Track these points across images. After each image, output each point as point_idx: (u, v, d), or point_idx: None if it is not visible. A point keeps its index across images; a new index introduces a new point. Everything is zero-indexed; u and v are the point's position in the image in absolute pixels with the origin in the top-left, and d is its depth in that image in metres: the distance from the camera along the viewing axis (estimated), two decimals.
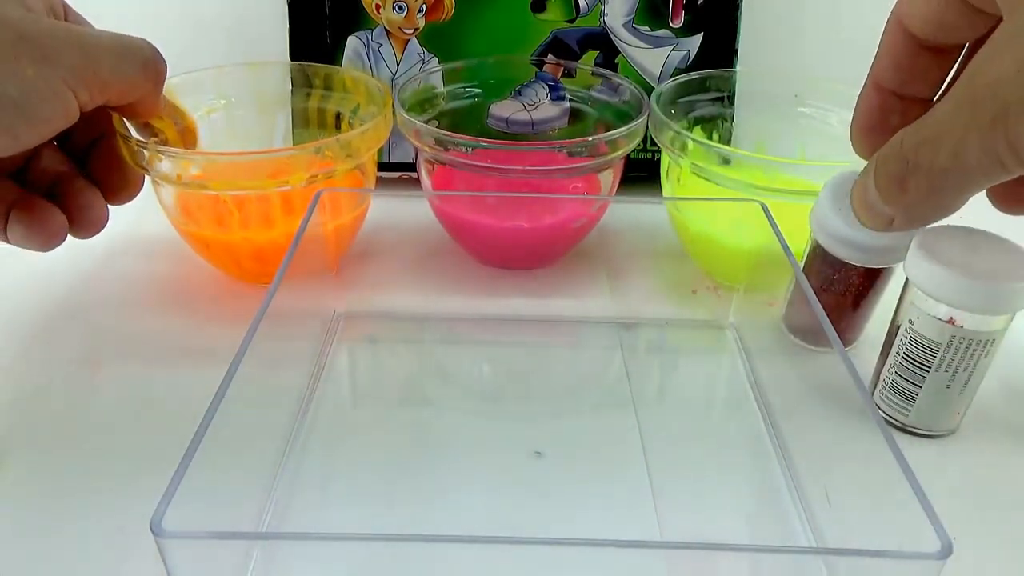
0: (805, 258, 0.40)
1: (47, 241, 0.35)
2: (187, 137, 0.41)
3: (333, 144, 0.40)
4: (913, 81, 0.30)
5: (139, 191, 0.39)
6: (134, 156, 0.38)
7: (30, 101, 0.30)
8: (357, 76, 0.48)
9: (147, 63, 0.34)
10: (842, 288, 0.40)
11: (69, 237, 0.36)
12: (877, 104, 0.31)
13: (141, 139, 0.38)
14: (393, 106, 0.45)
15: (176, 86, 0.44)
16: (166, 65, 0.35)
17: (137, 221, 0.48)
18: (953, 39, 0.29)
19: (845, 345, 0.42)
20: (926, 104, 0.31)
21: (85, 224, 0.36)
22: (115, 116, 0.38)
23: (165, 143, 0.40)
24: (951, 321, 0.34)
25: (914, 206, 0.26)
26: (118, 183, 0.38)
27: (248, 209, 0.42)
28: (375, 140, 0.43)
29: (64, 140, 0.38)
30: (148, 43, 0.35)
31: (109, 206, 0.38)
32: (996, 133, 0.23)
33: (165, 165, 0.38)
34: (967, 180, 0.24)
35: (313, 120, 0.50)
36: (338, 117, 0.49)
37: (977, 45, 0.29)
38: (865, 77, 0.32)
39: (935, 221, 0.28)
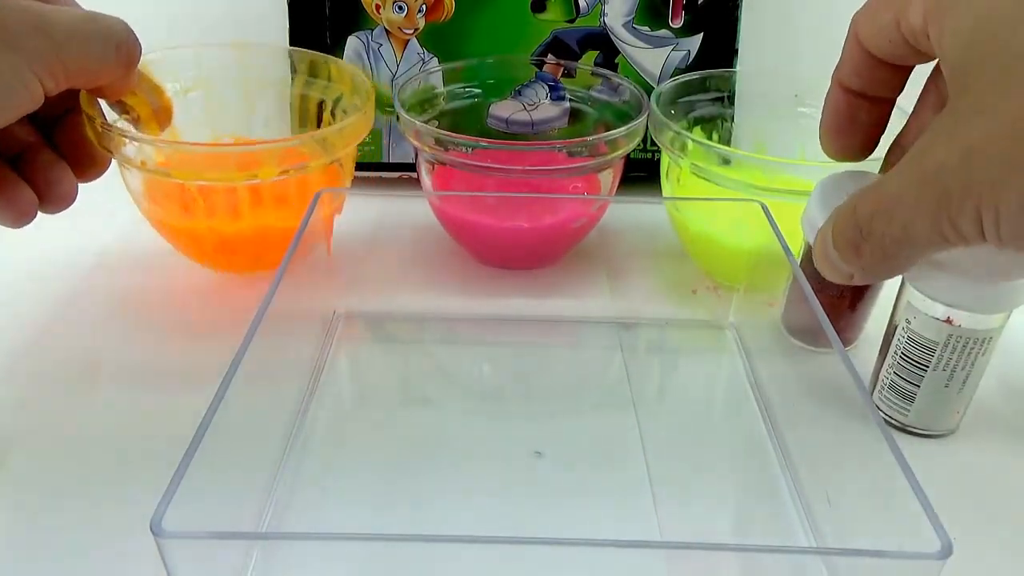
0: (799, 261, 0.40)
1: (18, 219, 0.34)
2: (161, 116, 0.40)
3: (308, 140, 0.39)
4: (874, 86, 0.31)
5: (106, 169, 0.38)
6: (99, 138, 0.37)
7: None
8: (343, 66, 0.47)
9: (119, 47, 0.33)
10: (837, 290, 0.40)
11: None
12: (844, 103, 0.32)
13: (106, 121, 0.37)
14: (393, 105, 0.45)
15: (153, 62, 0.42)
16: (139, 46, 0.34)
17: (135, 223, 0.48)
18: (906, 63, 0.30)
19: (844, 345, 0.42)
20: (889, 104, 0.32)
21: (53, 199, 0.35)
22: (83, 94, 0.37)
23: (137, 121, 0.39)
24: (948, 320, 0.34)
25: (869, 268, 0.28)
26: (85, 160, 0.37)
27: (214, 199, 0.41)
28: (353, 137, 0.42)
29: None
30: (120, 23, 0.33)
31: (79, 183, 0.37)
32: (941, 215, 0.25)
33: (129, 150, 0.37)
34: (916, 249, 0.26)
35: (295, 107, 0.49)
36: (320, 106, 0.48)
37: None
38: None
39: (892, 278, 0.30)
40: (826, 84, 0.33)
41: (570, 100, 0.52)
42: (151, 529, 0.24)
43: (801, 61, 0.57)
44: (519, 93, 0.53)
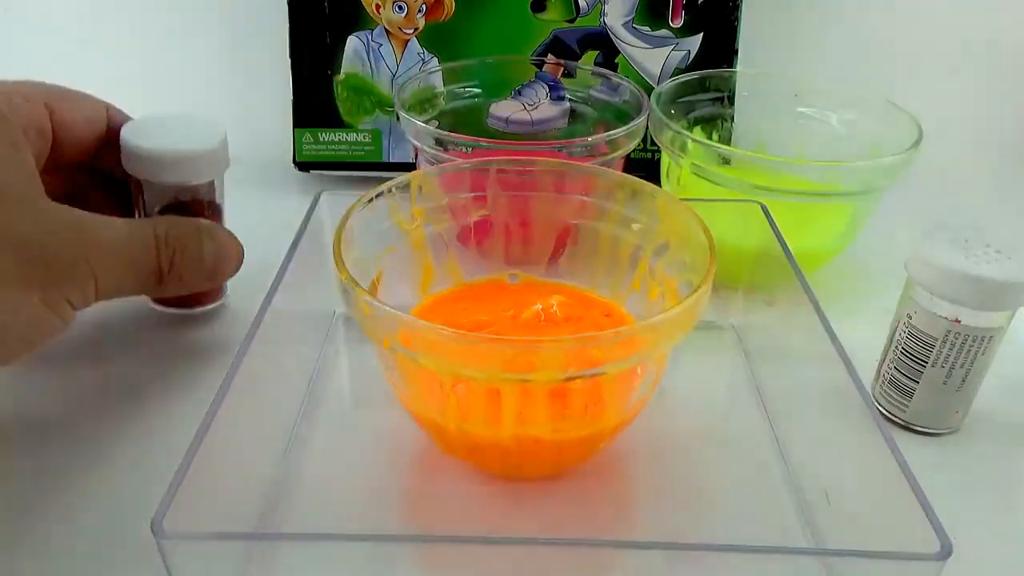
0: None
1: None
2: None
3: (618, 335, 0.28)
4: None
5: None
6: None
7: (30, 328, 0.29)
8: (673, 203, 0.34)
9: (151, 275, 0.33)
10: None
11: None
12: None
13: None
14: (393, 105, 0.45)
15: None
16: (176, 268, 0.33)
17: None
18: None
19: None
20: None
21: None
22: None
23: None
24: (953, 319, 0.34)
25: None
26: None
27: (469, 396, 0.31)
28: (680, 328, 0.30)
29: None
30: (155, 235, 0.34)
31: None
32: None
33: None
34: None
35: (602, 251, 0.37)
36: (635, 254, 0.36)
37: None
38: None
39: None
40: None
41: (570, 100, 0.52)
42: (151, 529, 0.24)
43: (801, 61, 0.57)
44: (519, 93, 0.53)
